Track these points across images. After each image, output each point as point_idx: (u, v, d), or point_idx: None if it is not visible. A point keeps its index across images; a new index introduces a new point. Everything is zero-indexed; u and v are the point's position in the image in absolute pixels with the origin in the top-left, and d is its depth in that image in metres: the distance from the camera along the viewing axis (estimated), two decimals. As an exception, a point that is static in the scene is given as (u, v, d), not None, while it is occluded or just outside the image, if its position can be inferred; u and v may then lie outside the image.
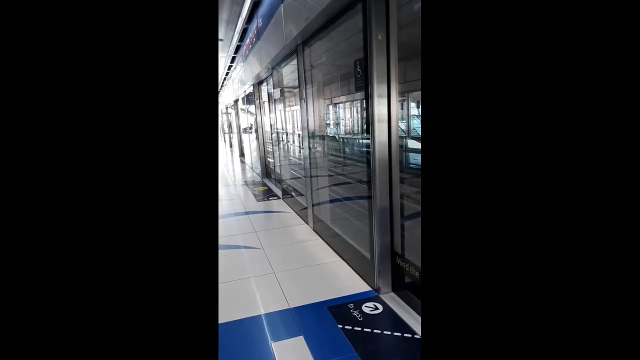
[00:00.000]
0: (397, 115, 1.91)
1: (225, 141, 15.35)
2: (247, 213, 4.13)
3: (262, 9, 3.85)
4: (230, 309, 1.98)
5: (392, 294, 2.05)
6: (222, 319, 1.87)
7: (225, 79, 9.47)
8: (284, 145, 5.05)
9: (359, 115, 3.67)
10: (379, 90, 1.85)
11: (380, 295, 2.04)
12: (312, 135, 3.33)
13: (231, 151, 12.68)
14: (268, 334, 1.76)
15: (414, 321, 1.78)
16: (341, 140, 4.09)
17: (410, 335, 1.68)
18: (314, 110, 3.23)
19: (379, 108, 1.87)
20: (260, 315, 1.92)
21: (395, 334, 1.70)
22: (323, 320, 1.84)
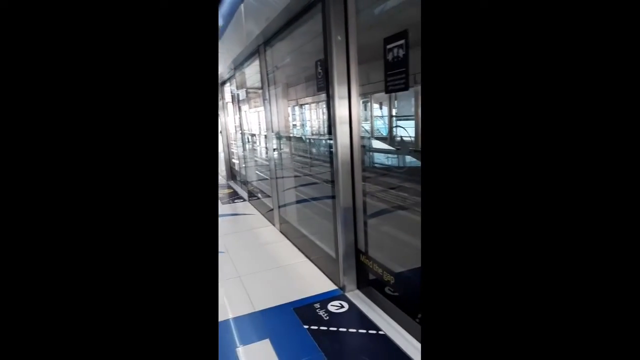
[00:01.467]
0: (358, 117, 1.94)
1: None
2: (211, 217, 4.02)
3: (223, 8, 3.77)
4: (193, 316, 1.92)
5: (357, 291, 2.09)
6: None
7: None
8: (249, 146, 4.97)
9: (324, 117, 3.70)
10: (339, 91, 1.88)
11: (346, 294, 2.06)
12: (277, 136, 3.31)
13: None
14: (234, 339, 1.72)
15: (379, 317, 1.82)
16: (307, 141, 4.10)
17: (375, 332, 1.71)
18: (278, 111, 3.21)
19: (340, 109, 1.90)
20: (226, 320, 1.87)
21: (360, 331, 1.73)
22: (289, 321, 1.83)
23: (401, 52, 1.53)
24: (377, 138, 4.25)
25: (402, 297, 1.79)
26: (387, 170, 3.49)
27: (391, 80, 1.60)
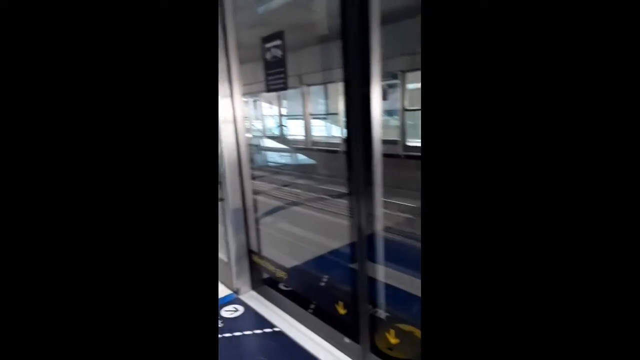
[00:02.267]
0: (242, 116, 1.91)
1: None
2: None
3: None
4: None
5: (252, 292, 2.07)
6: None
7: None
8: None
9: (213, 115, 3.53)
10: (220, 90, 1.81)
11: (240, 296, 2.02)
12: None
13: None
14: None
15: (274, 315, 1.84)
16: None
17: (270, 330, 1.72)
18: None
19: (223, 108, 1.84)
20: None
21: (256, 331, 1.72)
22: (179, 336, 1.70)
23: (279, 53, 1.56)
24: (270, 137, 4.28)
25: (295, 291, 1.84)
26: (280, 168, 3.54)
27: (271, 79, 1.62)
